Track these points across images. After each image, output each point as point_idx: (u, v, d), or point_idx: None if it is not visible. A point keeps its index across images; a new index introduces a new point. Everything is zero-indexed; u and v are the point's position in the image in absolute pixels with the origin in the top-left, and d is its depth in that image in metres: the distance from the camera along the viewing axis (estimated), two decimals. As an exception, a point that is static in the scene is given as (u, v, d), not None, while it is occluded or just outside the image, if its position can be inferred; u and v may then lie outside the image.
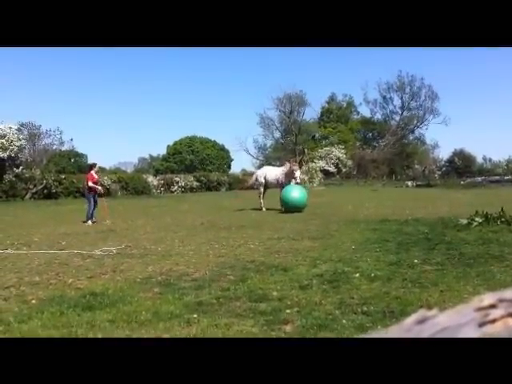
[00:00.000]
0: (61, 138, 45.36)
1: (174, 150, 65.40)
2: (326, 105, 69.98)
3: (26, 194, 30.46)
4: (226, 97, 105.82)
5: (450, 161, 63.43)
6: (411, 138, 68.88)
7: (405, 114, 67.45)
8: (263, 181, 18.15)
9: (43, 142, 45.63)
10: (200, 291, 5.53)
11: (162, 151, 69.89)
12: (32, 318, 4.59)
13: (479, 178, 48.60)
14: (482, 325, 0.67)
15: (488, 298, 0.71)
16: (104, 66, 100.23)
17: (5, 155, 29.03)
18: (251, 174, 43.67)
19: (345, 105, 70.63)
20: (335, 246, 8.63)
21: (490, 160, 67.51)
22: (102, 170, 36.61)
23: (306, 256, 7.63)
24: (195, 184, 40.76)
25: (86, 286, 6.01)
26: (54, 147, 46.70)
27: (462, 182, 45.48)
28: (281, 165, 20.07)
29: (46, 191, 31.00)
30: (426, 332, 0.71)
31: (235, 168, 73.32)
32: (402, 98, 67.11)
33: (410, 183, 47.31)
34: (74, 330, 4.24)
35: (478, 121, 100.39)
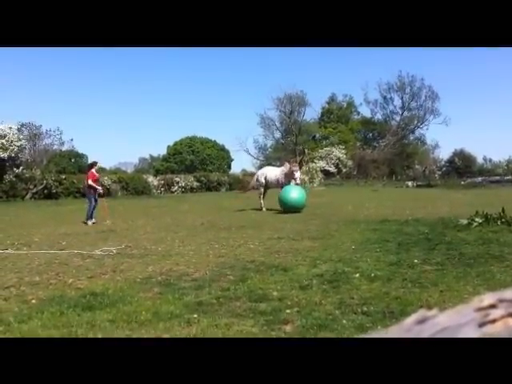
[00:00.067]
0: (61, 138, 45.39)
1: (175, 151, 65.40)
2: (327, 105, 69.96)
3: (27, 194, 30.47)
4: (226, 97, 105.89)
5: (451, 161, 63.41)
6: (411, 138, 68.88)
7: (405, 114, 67.45)
8: (263, 181, 18.15)
9: (43, 143, 45.68)
10: (200, 291, 5.54)
11: (163, 151, 69.97)
12: (32, 318, 4.59)
13: (479, 179, 48.57)
14: (482, 325, 0.67)
15: (488, 298, 0.71)
16: (104, 66, 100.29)
17: (5, 155, 29.02)
18: (251, 174, 43.69)
19: (345, 105, 70.60)
20: (335, 246, 8.63)
21: (491, 160, 67.52)
22: (102, 170, 36.61)
23: (306, 256, 7.63)
24: (195, 184, 40.76)
25: (86, 285, 6.01)
26: (55, 147, 46.75)
27: (462, 183, 45.46)
28: (281, 165, 20.03)
29: (46, 191, 31.01)
30: (426, 332, 0.71)
31: (235, 168, 73.45)
32: (402, 99, 67.13)
33: (410, 183, 47.29)
34: (74, 329, 4.24)
35: (478, 121, 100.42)
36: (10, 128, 30.14)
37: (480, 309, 0.69)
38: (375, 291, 5.30)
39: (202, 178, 41.85)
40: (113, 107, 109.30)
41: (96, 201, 14.50)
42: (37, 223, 14.58)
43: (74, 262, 7.68)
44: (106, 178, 33.30)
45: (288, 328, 4.19)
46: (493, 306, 0.69)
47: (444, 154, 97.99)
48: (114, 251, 8.62)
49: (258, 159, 66.74)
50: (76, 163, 52.65)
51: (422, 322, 0.73)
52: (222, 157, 66.17)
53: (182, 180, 40.22)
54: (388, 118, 69.29)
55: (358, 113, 72.07)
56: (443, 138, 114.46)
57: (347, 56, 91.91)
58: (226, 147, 66.87)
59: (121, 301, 5.16)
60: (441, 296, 5.04)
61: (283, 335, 4.02)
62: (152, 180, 38.93)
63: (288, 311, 4.65)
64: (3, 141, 29.01)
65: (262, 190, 18.18)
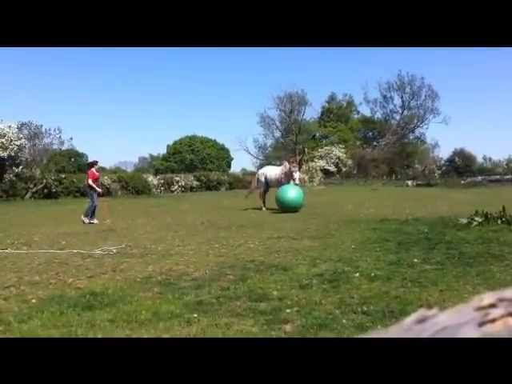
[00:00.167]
0: (60, 137, 45.37)
1: (174, 150, 65.43)
2: (326, 104, 69.93)
3: (26, 193, 30.47)
4: (226, 97, 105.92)
5: (450, 160, 63.43)
6: (411, 137, 68.84)
7: (405, 113, 67.40)
8: (263, 180, 18.15)
9: (43, 142, 45.65)
10: (200, 291, 5.54)
11: (162, 151, 69.97)
12: (32, 318, 4.59)
13: (479, 178, 48.59)
14: (481, 324, 0.67)
15: (488, 298, 0.71)
16: (104, 66, 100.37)
17: (5, 154, 29.01)
18: (251, 173, 43.63)
19: (345, 104, 70.57)
20: (335, 245, 8.63)
21: (490, 159, 67.52)
22: (102, 170, 36.58)
23: (305, 255, 7.63)
24: (195, 183, 40.76)
25: (85, 285, 6.01)
26: (54, 146, 46.72)
27: (462, 182, 45.47)
28: (280, 164, 20.03)
29: (46, 191, 31.00)
30: (425, 331, 0.71)
31: (235, 167, 73.43)
32: (402, 98, 67.08)
33: (410, 182, 47.28)
34: (73, 329, 4.24)
35: (478, 120, 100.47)
36: (10, 127, 30.10)
37: (480, 308, 0.70)
38: (375, 291, 5.30)
39: (202, 178, 41.85)
40: (113, 107, 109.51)
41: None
42: (37, 222, 14.58)
43: (74, 262, 7.68)
44: (105, 177, 33.31)
45: (288, 327, 4.19)
46: (493, 306, 0.69)
47: (444, 153, 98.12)
48: (114, 251, 8.62)
49: (257, 158, 66.71)
50: (76, 162, 52.64)
51: (421, 321, 0.73)
52: (222, 156, 66.20)
53: (182, 179, 40.23)
54: (388, 117, 69.30)
55: (358, 112, 72.11)
56: (443, 138, 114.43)
57: (347, 56, 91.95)
58: (226, 146, 66.93)
59: (121, 300, 5.16)
60: (441, 295, 5.05)
61: (283, 335, 4.02)
62: (152, 179, 38.92)
63: (288, 311, 4.65)
64: (3, 140, 28.99)
65: (263, 189, 18.19)
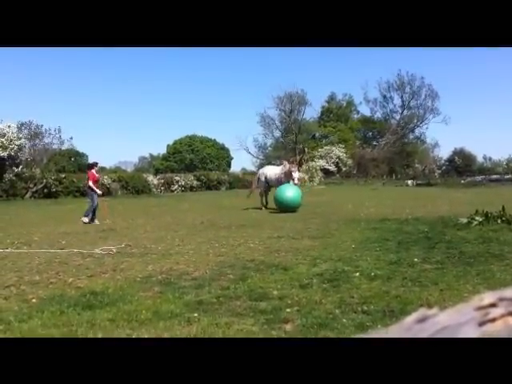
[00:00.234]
0: (60, 136, 45.34)
1: (174, 149, 65.42)
2: (326, 104, 69.89)
3: (26, 193, 30.46)
4: (226, 97, 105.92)
5: (450, 160, 63.43)
6: (411, 137, 68.80)
7: (405, 112, 67.37)
8: (264, 180, 18.18)
9: (43, 142, 45.62)
10: (200, 290, 5.54)
11: (163, 150, 69.96)
12: (32, 317, 4.59)
13: (479, 177, 48.58)
14: (482, 324, 0.67)
15: (488, 297, 0.71)
16: (104, 66, 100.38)
17: (5, 154, 29.00)
18: (251, 172, 43.57)
19: (345, 104, 70.52)
20: (335, 245, 8.63)
21: (490, 159, 67.54)
22: (102, 170, 36.60)
23: (306, 255, 7.63)
24: (195, 183, 40.75)
25: (86, 285, 6.01)
26: (54, 146, 46.68)
27: (462, 181, 45.48)
28: (280, 164, 20.05)
29: (46, 190, 30.99)
30: (426, 331, 0.71)
31: (235, 167, 73.38)
32: (402, 97, 67.04)
33: (410, 182, 47.28)
34: (74, 329, 4.24)
35: (478, 120, 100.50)
36: (9, 127, 30.09)
37: (480, 308, 0.70)
38: (375, 290, 5.30)
39: (202, 177, 41.84)
40: (113, 107, 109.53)
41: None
42: (37, 222, 14.58)
43: (74, 261, 7.68)
44: (105, 176, 33.30)
45: (288, 327, 4.19)
46: (493, 305, 0.69)
47: (444, 152, 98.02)
48: (114, 250, 8.62)
49: (257, 158, 66.70)
50: (76, 162, 52.59)
51: (422, 320, 0.73)
52: (222, 156, 66.19)
53: (182, 179, 40.22)
54: (388, 117, 69.26)
55: (358, 112, 72.07)
56: (443, 137, 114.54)
57: (347, 56, 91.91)
58: (226, 146, 66.91)
59: (121, 300, 5.16)
60: (441, 295, 5.05)
61: (283, 334, 4.02)
62: (152, 179, 38.90)
63: (288, 310, 4.65)
64: (3, 139, 28.98)
65: (263, 188, 18.22)
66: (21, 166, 30.67)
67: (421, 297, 4.96)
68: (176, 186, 39.32)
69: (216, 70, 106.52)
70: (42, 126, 44.27)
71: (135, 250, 8.63)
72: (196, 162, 61.59)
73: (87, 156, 57.06)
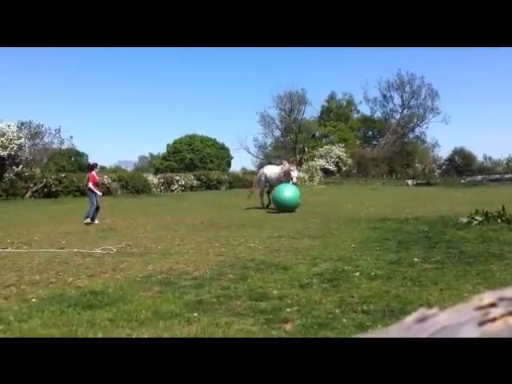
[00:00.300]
0: (60, 136, 45.30)
1: (174, 149, 65.41)
2: (326, 103, 69.86)
3: (26, 192, 30.44)
4: (226, 96, 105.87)
5: (450, 159, 63.39)
6: (411, 136, 68.71)
7: (405, 112, 67.30)
8: (264, 179, 18.21)
9: (43, 141, 45.59)
10: (200, 290, 5.54)
11: (163, 150, 69.94)
12: (32, 317, 4.59)
13: (479, 177, 48.55)
14: (481, 323, 0.67)
15: (488, 297, 0.71)
16: (104, 65, 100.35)
17: (5, 154, 28.99)
18: (251, 172, 43.53)
19: (345, 103, 70.49)
20: (335, 244, 8.63)
21: (490, 158, 67.46)
22: (102, 169, 36.57)
23: (306, 255, 7.64)
24: (195, 183, 40.71)
25: (86, 284, 6.01)
26: (54, 146, 46.66)
27: (462, 181, 45.45)
28: (280, 163, 20.08)
29: (46, 190, 30.96)
30: (426, 331, 0.71)
31: (235, 166, 73.35)
32: (402, 97, 66.96)
33: (410, 182, 47.26)
34: (74, 328, 4.24)
35: (478, 120, 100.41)
36: (9, 126, 30.07)
37: (480, 307, 0.70)
38: (375, 290, 5.31)
39: (202, 177, 41.81)
40: (113, 107, 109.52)
41: (93, 202, 14.46)
42: (37, 222, 14.58)
43: (74, 261, 7.68)
44: (105, 176, 33.29)
45: (288, 327, 4.20)
46: (493, 305, 0.69)
47: (444, 152, 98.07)
48: (114, 250, 8.62)
49: (257, 157, 66.69)
50: (76, 162, 52.59)
51: (422, 320, 0.73)
52: (222, 155, 66.18)
53: (182, 178, 40.18)
54: (388, 116, 69.20)
55: (358, 111, 72.03)
56: (443, 137, 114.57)
57: (347, 56, 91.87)
58: (226, 145, 66.90)
59: (121, 300, 5.16)
60: (441, 294, 5.05)
61: (283, 334, 4.02)
62: (152, 178, 38.87)
63: (288, 310, 4.65)
64: (3, 139, 28.95)
65: (263, 188, 18.25)
66: (21, 166, 30.64)
67: (421, 296, 4.96)
68: (176, 186, 39.29)
69: (216, 69, 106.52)
70: (42, 125, 44.27)
71: (135, 250, 8.63)
72: (196, 162, 61.59)
73: (87, 155, 57.10)
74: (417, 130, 68.56)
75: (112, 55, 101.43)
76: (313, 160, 51.31)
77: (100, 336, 4.02)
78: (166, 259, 7.62)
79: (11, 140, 29.45)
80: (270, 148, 68.08)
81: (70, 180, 31.65)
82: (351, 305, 4.76)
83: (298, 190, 16.37)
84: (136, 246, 9.13)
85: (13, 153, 29.56)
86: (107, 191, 29.64)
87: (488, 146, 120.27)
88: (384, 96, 67.80)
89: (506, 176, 47.27)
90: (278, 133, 66.30)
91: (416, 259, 6.94)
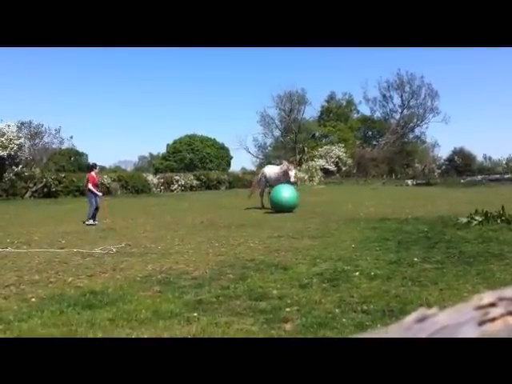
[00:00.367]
0: (59, 136, 45.29)
1: (174, 149, 65.37)
2: (326, 103, 69.85)
3: (26, 192, 30.43)
4: (226, 96, 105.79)
5: (450, 159, 63.36)
6: (411, 136, 68.67)
7: (405, 112, 67.26)
8: (264, 179, 18.25)
9: (43, 141, 45.59)
10: (200, 290, 5.54)
11: (162, 150, 69.90)
12: (32, 317, 4.59)
13: (479, 177, 48.54)
14: (481, 323, 0.67)
15: (488, 297, 0.71)
16: (104, 66, 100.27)
17: (4, 153, 28.97)
18: (251, 172, 43.51)
19: (344, 103, 70.49)
20: (335, 244, 8.63)
21: (490, 158, 67.43)
22: (101, 169, 36.57)
23: (305, 255, 7.64)
24: (195, 183, 40.70)
25: (85, 284, 6.01)
26: (54, 146, 46.64)
27: (461, 181, 45.44)
28: (280, 163, 20.12)
29: (45, 190, 30.95)
30: (425, 330, 0.71)
31: (235, 166, 73.32)
32: (401, 97, 66.94)
33: (409, 182, 47.25)
34: (73, 328, 4.24)
35: (477, 120, 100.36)
36: (9, 126, 30.06)
37: (480, 307, 0.70)
38: (375, 290, 5.31)
39: (202, 177, 41.79)
40: (113, 107, 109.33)
41: (92, 202, 14.45)
42: (36, 222, 14.58)
43: (74, 261, 7.68)
44: (105, 176, 33.29)
45: (288, 326, 4.20)
46: (492, 305, 0.69)
47: (443, 152, 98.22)
48: (114, 250, 8.62)
49: (257, 157, 66.70)
50: (76, 161, 52.56)
51: (421, 320, 0.73)
52: (222, 155, 66.15)
53: (182, 178, 40.17)
54: (387, 116, 69.17)
55: (358, 111, 72.00)
56: (443, 137, 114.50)
57: (347, 56, 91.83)
58: (226, 145, 66.88)
59: (121, 299, 5.16)
60: (440, 294, 5.05)
61: (283, 334, 4.02)
62: (152, 178, 38.86)
63: (288, 310, 4.65)
64: (2, 139, 28.94)
65: (263, 188, 18.29)
66: (20, 166, 30.62)
67: (420, 296, 4.97)
68: (176, 186, 39.28)
69: (216, 69, 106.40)
70: (41, 125, 44.27)
71: (135, 250, 8.64)
72: (196, 162, 61.56)
73: (87, 155, 57.05)
74: (417, 130, 68.60)
75: (112, 55, 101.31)
76: (312, 160, 51.30)
77: (100, 336, 4.02)
78: (166, 259, 7.62)
79: (11, 140, 29.44)
80: (269, 148, 68.10)
81: (69, 180, 31.63)
82: (351, 305, 4.76)
83: (295, 191, 16.28)
84: (136, 245, 9.13)
85: (13, 153, 29.55)
86: (107, 191, 29.62)
87: (488, 146, 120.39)
88: (384, 96, 67.81)
89: (506, 176, 47.26)
90: (277, 133, 66.34)
91: (416, 259, 6.94)
